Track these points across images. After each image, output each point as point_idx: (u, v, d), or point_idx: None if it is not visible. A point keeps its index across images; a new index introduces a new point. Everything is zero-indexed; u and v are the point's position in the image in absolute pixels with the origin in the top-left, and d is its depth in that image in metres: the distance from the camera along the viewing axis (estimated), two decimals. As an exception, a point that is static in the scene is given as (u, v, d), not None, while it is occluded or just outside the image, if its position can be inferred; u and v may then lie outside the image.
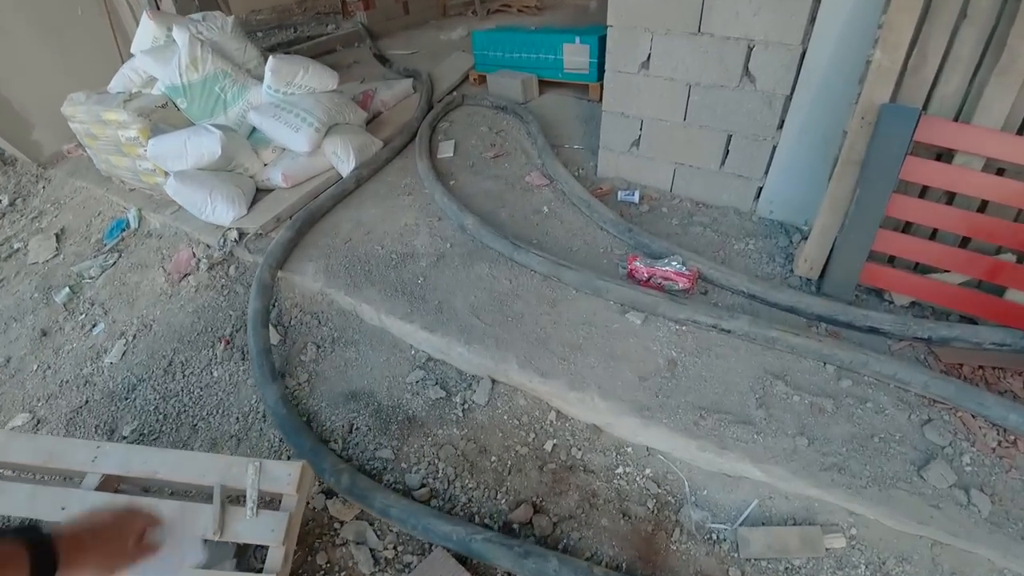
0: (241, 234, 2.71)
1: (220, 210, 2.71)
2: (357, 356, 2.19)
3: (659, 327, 1.98)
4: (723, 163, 2.55)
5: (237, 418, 2.16)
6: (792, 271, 2.23)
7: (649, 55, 2.49)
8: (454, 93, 3.92)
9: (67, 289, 2.99)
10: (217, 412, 2.21)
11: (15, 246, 3.56)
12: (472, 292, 2.18)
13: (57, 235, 3.53)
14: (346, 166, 2.89)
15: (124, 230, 3.31)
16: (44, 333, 2.80)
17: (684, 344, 1.92)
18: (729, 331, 1.91)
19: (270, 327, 2.35)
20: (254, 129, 2.99)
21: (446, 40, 5.20)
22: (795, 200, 2.46)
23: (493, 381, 1.97)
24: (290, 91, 2.88)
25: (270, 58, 2.82)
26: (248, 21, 6.70)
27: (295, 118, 2.76)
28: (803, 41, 2.13)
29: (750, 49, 2.24)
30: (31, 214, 3.89)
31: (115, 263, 3.10)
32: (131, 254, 3.10)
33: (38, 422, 2.37)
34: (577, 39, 3.69)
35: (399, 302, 2.18)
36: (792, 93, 2.25)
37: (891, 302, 2.10)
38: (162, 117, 2.94)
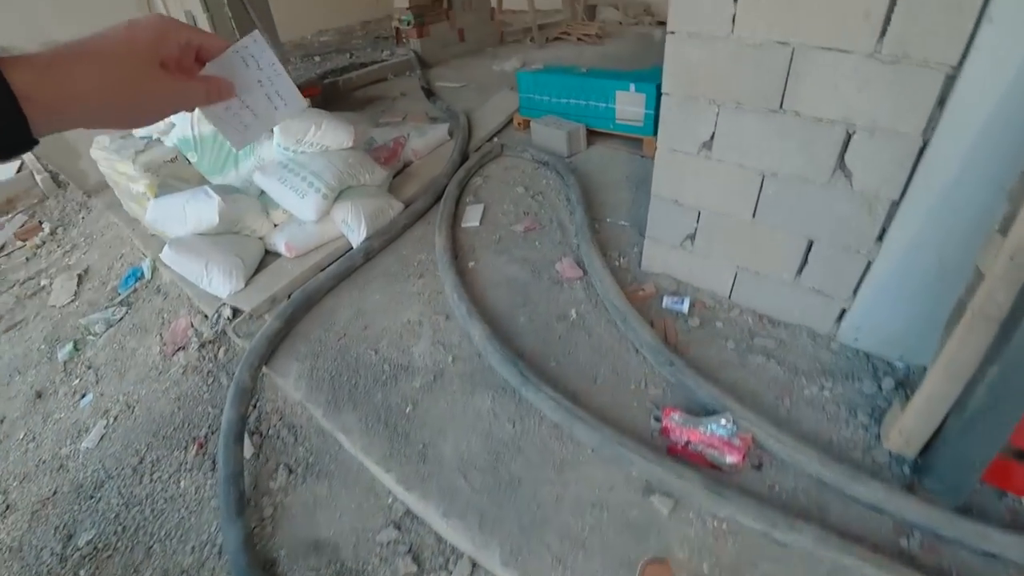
0: (235, 312, 2.44)
1: (216, 283, 2.45)
2: (328, 494, 1.85)
3: (691, 521, 1.51)
4: (799, 273, 2.03)
5: (194, 547, 1.88)
6: (879, 438, 1.70)
7: (713, 134, 2.00)
8: (495, 139, 3.53)
9: (71, 345, 2.84)
10: (176, 534, 1.93)
11: (42, 283, 3.50)
12: (466, 435, 1.79)
13: (80, 275, 3.43)
14: (356, 236, 2.57)
15: (138, 280, 3.15)
16: (39, 395, 2.65)
17: (721, 553, 1.45)
18: (785, 545, 1.42)
19: (246, 436, 2.06)
20: (265, 187, 2.73)
21: (498, 72, 4.82)
22: (890, 331, 1.91)
23: (473, 564, 1.57)
24: (300, 149, 2.58)
25: (278, 117, 2.53)
26: (311, 43, 6.62)
27: (302, 182, 2.46)
28: (925, 131, 1.58)
29: (849, 136, 1.71)
30: (66, 246, 3.85)
31: (121, 319, 2.93)
32: (136, 312, 2.92)
33: (7, 508, 2.20)
34: (632, 86, 3.22)
35: (379, 438, 1.82)
36: (902, 198, 1.71)
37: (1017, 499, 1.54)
38: (171, 172, 2.73)
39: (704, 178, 2.08)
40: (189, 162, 2.76)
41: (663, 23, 8.28)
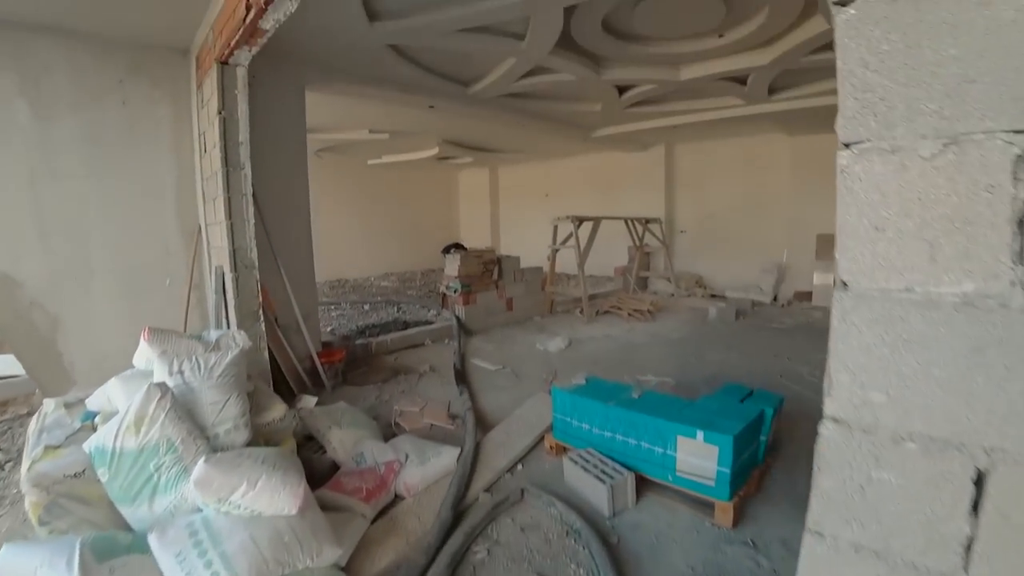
0: None
1: None
2: None
3: None
4: None
5: None
6: None
7: None
8: (519, 466, 2.60)
9: None
10: None
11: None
12: None
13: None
14: (266, 663, 1.53)
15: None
16: None
17: None
18: None
19: None
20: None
21: (541, 351, 4.15)
22: None
23: None
24: (223, 510, 1.70)
25: (199, 464, 1.70)
26: (371, 286, 6.46)
27: (204, 569, 1.53)
28: None
29: None
30: (-7, 496, 2.97)
31: None
32: None
33: None
34: (700, 435, 2.29)
35: None
36: None
37: None
38: (69, 490, 1.89)
39: None
40: (100, 480, 1.92)
41: (715, 295, 7.83)
